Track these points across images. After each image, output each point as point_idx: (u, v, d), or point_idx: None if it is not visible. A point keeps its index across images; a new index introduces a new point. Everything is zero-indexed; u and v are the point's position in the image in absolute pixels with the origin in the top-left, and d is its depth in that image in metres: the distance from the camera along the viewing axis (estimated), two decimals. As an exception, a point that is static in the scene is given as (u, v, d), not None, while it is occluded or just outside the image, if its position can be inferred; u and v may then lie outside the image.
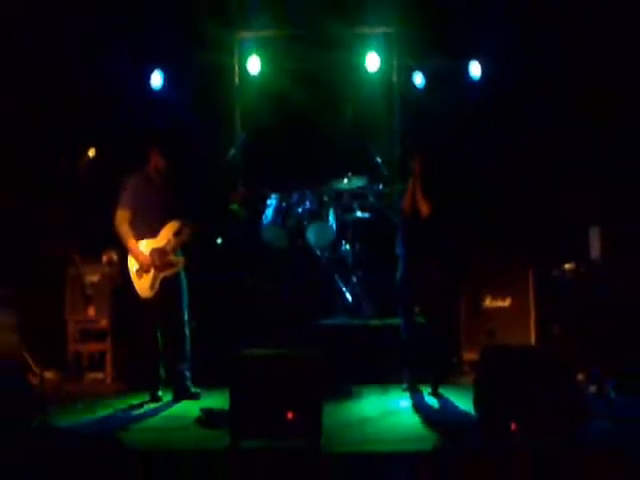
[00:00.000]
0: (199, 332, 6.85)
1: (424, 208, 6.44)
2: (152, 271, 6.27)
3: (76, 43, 7.59)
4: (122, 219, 6.29)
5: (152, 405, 6.27)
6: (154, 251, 6.29)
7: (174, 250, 6.37)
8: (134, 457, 4.78)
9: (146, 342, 6.36)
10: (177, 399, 6.36)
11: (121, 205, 6.31)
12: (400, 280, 6.60)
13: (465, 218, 7.30)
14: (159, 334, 6.36)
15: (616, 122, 7.38)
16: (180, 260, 6.40)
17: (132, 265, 6.29)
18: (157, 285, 6.27)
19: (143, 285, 6.27)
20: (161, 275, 6.29)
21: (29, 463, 4.68)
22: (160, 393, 6.37)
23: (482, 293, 7.21)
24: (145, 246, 6.29)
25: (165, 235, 6.34)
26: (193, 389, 6.39)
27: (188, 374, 6.41)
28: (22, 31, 7.39)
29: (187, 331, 6.40)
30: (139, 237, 6.29)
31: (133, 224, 6.30)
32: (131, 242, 6.27)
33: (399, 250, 6.64)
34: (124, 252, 6.40)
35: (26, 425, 5.19)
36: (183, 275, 6.43)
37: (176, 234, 6.38)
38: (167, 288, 6.30)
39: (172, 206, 6.37)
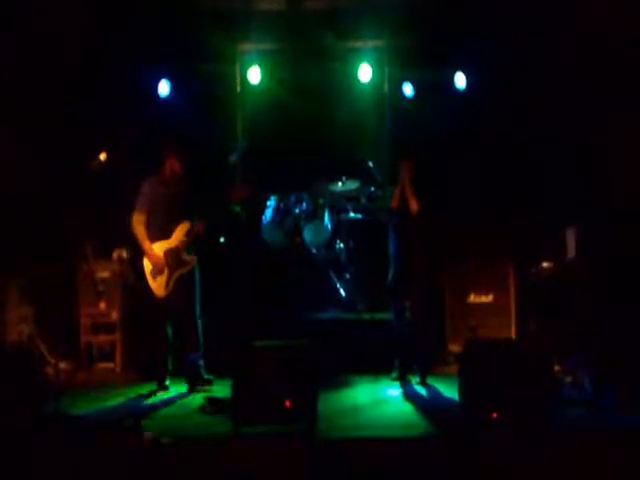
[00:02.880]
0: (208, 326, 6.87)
1: (413, 205, 6.47)
2: (166, 271, 6.26)
3: (91, 54, 7.60)
4: (138, 222, 6.28)
5: (160, 393, 6.29)
6: (168, 252, 6.28)
7: (186, 249, 6.35)
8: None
9: (157, 335, 6.36)
10: (192, 387, 6.33)
11: (137, 208, 6.29)
12: (392, 279, 6.63)
13: (450, 218, 7.33)
14: (169, 327, 6.36)
15: (595, 125, 7.38)
16: (192, 258, 6.39)
17: (147, 266, 6.28)
18: (172, 284, 6.27)
19: (158, 285, 6.26)
20: (175, 274, 6.28)
21: (43, 449, 4.72)
22: (168, 382, 6.39)
23: (466, 289, 7.26)
24: (159, 247, 6.29)
25: (178, 236, 6.33)
26: (206, 376, 6.38)
27: (202, 362, 6.40)
28: (41, 37, 7.39)
29: (200, 323, 6.39)
30: (154, 238, 6.28)
31: (148, 226, 6.30)
32: (146, 244, 6.26)
33: (391, 249, 6.68)
34: (137, 251, 6.38)
35: (41, 412, 5.20)
36: (196, 271, 6.42)
37: (187, 234, 6.36)
38: (181, 285, 6.29)
39: (184, 207, 6.36)
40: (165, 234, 6.31)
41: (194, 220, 6.38)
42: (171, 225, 6.32)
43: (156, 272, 6.26)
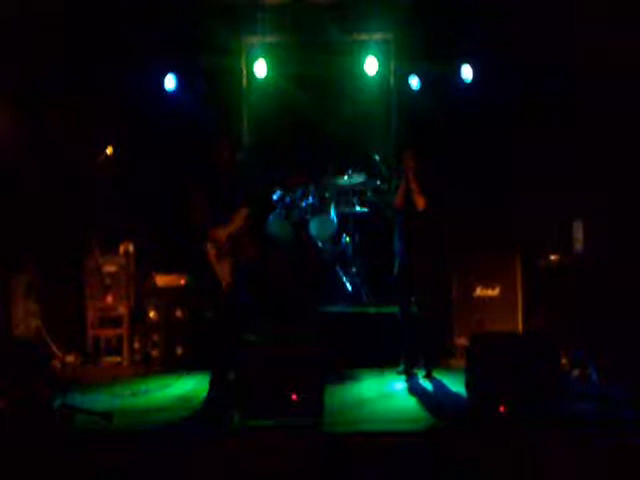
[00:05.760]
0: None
1: (420, 202, 6.45)
2: (229, 257, 6.14)
3: (97, 49, 7.61)
4: (198, 207, 6.05)
5: (167, 386, 6.29)
6: (230, 236, 6.04)
7: (245, 236, 6.21)
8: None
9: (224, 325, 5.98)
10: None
11: (195, 194, 6.07)
12: (398, 273, 6.62)
13: (456, 211, 7.32)
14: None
15: (597, 121, 7.36)
16: (252, 246, 6.24)
17: (211, 251, 6.07)
18: (235, 270, 6.02)
19: (223, 270, 6.12)
20: (237, 260, 6.05)
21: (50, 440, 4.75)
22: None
23: (473, 283, 7.24)
24: (221, 232, 6.03)
25: (237, 221, 6.09)
26: None
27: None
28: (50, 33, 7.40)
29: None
30: (215, 224, 6.04)
31: (208, 212, 6.04)
32: (210, 229, 6.02)
33: (396, 245, 6.66)
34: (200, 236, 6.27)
35: (48, 405, 5.22)
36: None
37: (246, 220, 6.22)
38: (243, 273, 6.05)
39: (238, 195, 6.15)
40: (225, 220, 6.05)
41: (251, 206, 6.24)
42: (230, 210, 6.09)
43: (220, 256, 6.08)
